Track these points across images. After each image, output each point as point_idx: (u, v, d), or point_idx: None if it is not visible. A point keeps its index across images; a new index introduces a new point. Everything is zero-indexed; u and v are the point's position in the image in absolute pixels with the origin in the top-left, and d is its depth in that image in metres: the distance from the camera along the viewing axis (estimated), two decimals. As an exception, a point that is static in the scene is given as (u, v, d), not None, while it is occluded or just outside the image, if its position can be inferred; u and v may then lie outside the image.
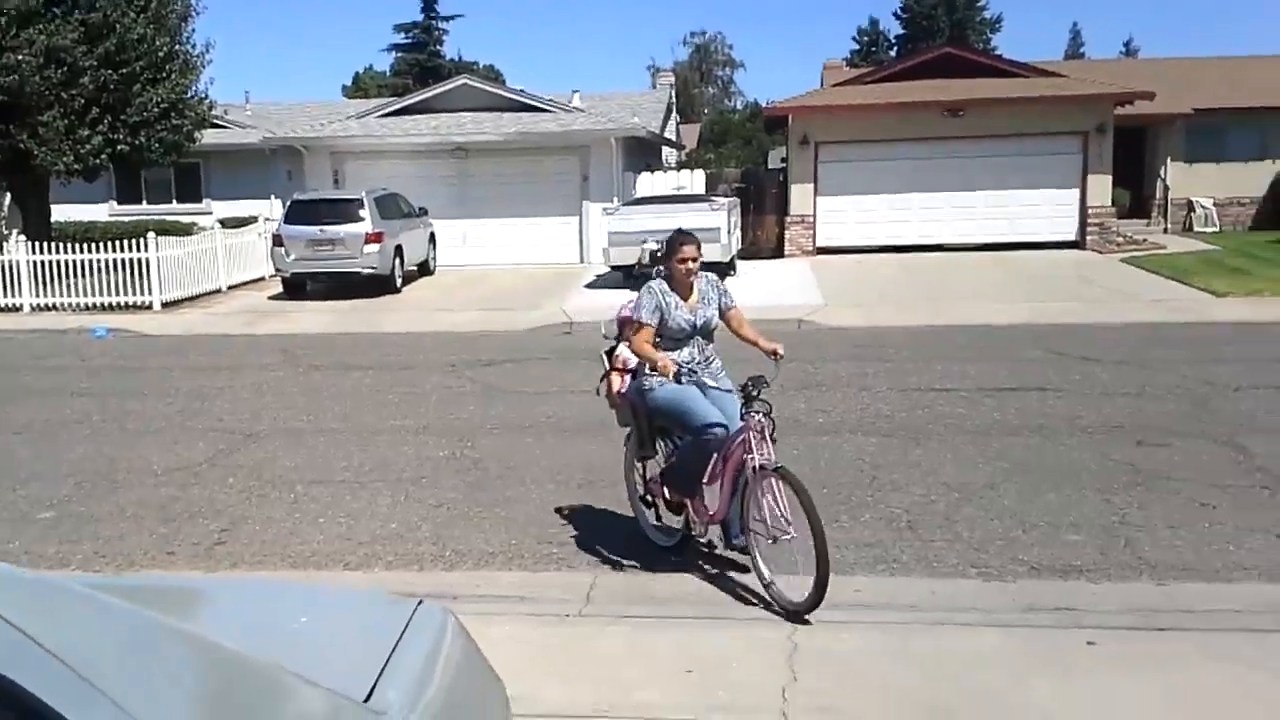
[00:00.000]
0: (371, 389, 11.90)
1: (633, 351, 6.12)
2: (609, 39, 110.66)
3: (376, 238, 19.91)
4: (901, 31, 63.40)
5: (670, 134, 38.24)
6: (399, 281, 20.76)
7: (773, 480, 5.55)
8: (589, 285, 20.96)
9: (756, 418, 5.62)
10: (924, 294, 18.15)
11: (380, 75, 64.06)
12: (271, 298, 20.53)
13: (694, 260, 6.03)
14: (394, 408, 10.87)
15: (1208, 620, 5.37)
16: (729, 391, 6.01)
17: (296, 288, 20.57)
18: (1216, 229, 27.99)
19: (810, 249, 24.80)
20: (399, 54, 63.18)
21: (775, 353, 5.96)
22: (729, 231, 20.15)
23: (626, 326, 6.22)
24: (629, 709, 4.58)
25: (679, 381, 5.78)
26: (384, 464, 8.72)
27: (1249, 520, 6.85)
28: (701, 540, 6.40)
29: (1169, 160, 28.66)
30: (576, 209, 24.71)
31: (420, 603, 2.49)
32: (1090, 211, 24.04)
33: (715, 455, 5.87)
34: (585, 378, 12.18)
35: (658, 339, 5.96)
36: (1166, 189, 28.77)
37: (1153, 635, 5.19)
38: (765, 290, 18.47)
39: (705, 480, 5.98)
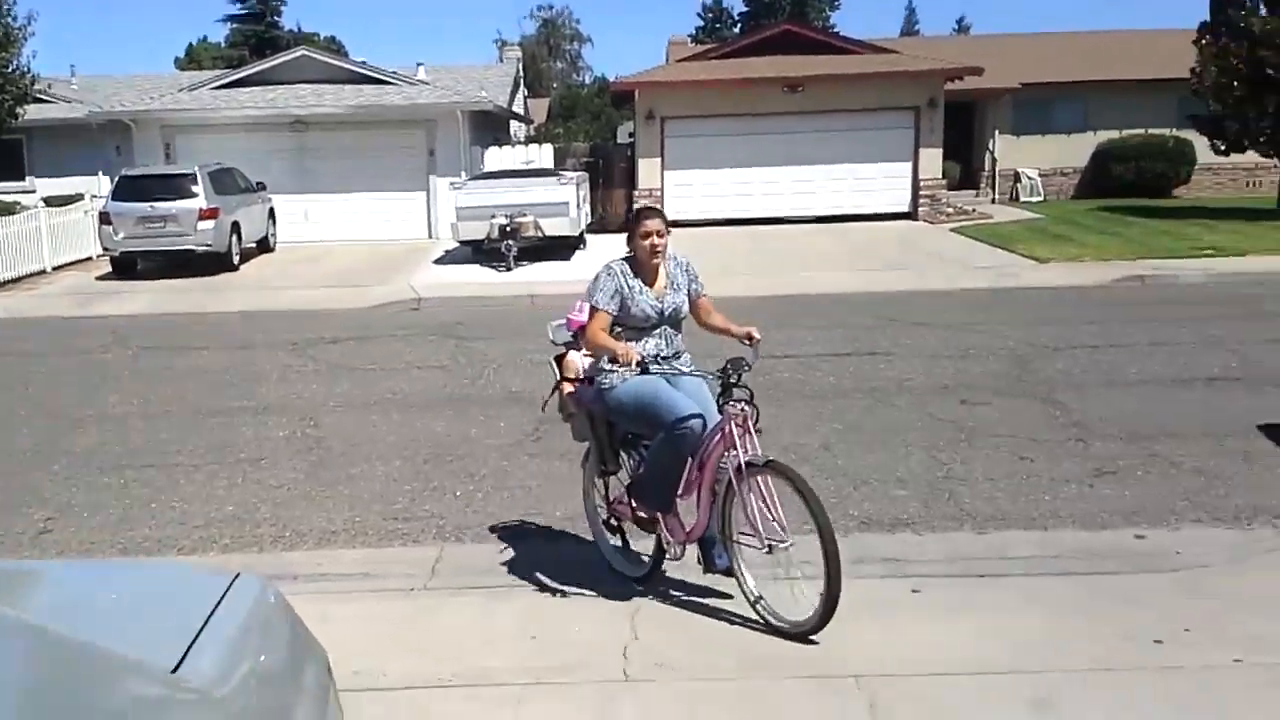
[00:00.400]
0: (207, 370, 11.56)
1: (587, 344, 5.31)
2: (454, 12, 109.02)
3: (211, 214, 19.24)
4: (745, 8, 64.22)
5: (518, 108, 37.95)
6: (236, 259, 20.12)
7: (763, 478, 4.89)
8: (437, 261, 20.72)
9: (737, 407, 4.89)
10: (767, 265, 18.55)
11: (215, 47, 61.68)
12: (100, 278, 19.65)
13: (660, 237, 5.22)
14: (232, 389, 10.58)
15: (1026, 566, 5.68)
16: (703, 377, 5.27)
17: (126, 267, 19.73)
18: (1041, 198, 29.33)
19: (658, 222, 25.01)
20: (234, 25, 60.92)
21: (750, 336, 5.33)
22: (578, 206, 20.18)
23: (581, 332, 5.41)
24: (472, 676, 4.61)
25: (645, 371, 5.03)
26: (221, 446, 8.50)
27: (1064, 471, 7.27)
28: (676, 561, 5.47)
29: (997, 133, 29.86)
30: (423, 184, 24.37)
31: (238, 575, 2.48)
32: (922, 184, 24.92)
33: (691, 458, 5.09)
34: (433, 354, 12.10)
35: (617, 330, 5.22)
36: (994, 161, 29.99)
37: (974, 582, 5.47)
38: (613, 263, 18.59)
39: (680, 491, 5.19)
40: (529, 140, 34.57)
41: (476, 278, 18.15)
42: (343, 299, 16.48)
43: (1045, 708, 4.13)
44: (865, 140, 24.63)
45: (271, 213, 22.88)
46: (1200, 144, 27.38)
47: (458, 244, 20.34)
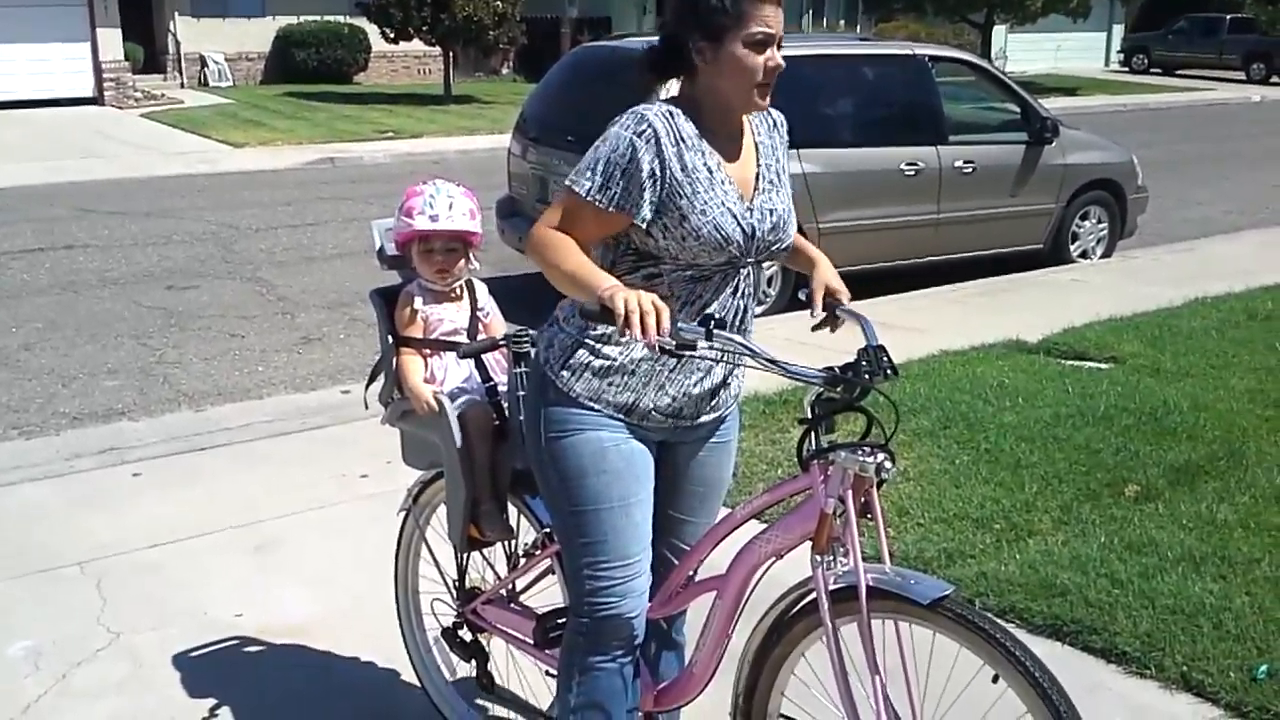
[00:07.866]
0: None
1: (567, 276, 2.29)
2: None
3: None
4: None
5: None
6: None
7: (902, 625, 2.26)
8: None
9: (869, 461, 2.21)
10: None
11: None
12: None
13: (773, 40, 2.34)
14: None
15: (245, 434, 5.97)
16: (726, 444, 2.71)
17: None
18: (230, 84, 29.05)
19: None
20: None
21: (834, 293, 2.64)
22: None
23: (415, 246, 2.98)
24: None
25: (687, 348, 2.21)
26: None
27: (273, 343, 7.73)
28: None
29: (177, 15, 28.80)
30: None
31: None
32: (104, 67, 23.46)
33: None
34: None
35: (648, 269, 2.41)
36: (179, 44, 28.96)
37: (194, 455, 5.63)
38: None
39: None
40: None
41: None
42: None
43: (267, 551, 4.54)
44: (32, 18, 22.35)
45: None
46: (374, 31, 29.04)
47: None
